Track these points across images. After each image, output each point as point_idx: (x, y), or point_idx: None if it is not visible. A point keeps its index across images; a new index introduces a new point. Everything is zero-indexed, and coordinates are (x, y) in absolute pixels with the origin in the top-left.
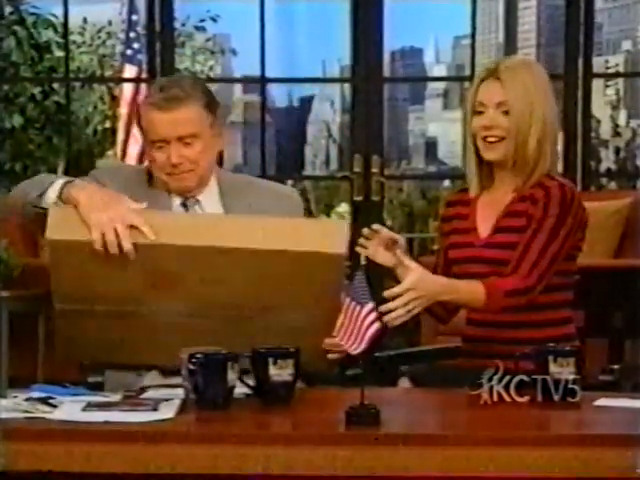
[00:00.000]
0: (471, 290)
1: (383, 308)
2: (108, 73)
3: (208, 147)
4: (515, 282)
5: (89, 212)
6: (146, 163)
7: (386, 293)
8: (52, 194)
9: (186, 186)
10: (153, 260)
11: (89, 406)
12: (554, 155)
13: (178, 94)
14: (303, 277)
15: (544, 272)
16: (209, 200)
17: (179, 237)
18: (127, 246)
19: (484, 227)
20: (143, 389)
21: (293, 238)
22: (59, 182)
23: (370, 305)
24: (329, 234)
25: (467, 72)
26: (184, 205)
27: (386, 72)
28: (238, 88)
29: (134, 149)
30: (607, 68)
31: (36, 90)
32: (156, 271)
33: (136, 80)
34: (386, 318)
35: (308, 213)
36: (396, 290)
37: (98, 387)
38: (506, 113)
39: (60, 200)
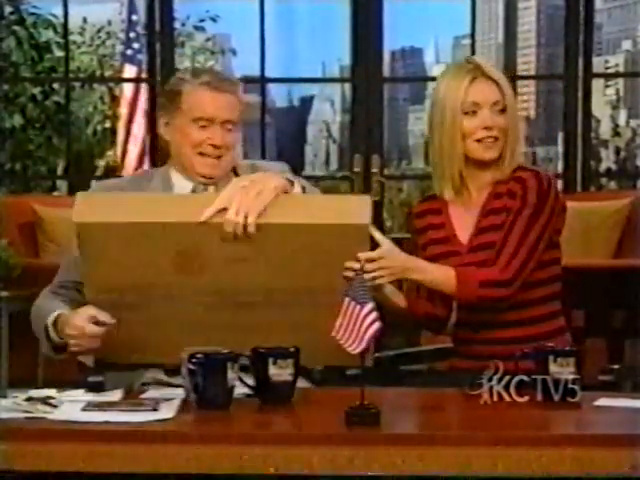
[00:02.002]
0: (442, 274)
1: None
2: (108, 73)
3: (237, 139)
4: (491, 273)
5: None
6: (143, 167)
7: (360, 255)
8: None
9: (214, 172)
10: (182, 240)
11: (89, 406)
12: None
13: (230, 78)
14: (331, 251)
15: (523, 262)
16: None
17: (200, 215)
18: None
19: (463, 232)
20: (144, 384)
21: (319, 212)
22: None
23: (370, 305)
24: (353, 207)
25: None
26: (193, 191)
27: (386, 72)
28: None
29: (134, 149)
30: (607, 68)
31: (36, 90)
32: (184, 251)
33: (136, 80)
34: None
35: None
36: (370, 254)
37: (98, 387)
38: (501, 112)
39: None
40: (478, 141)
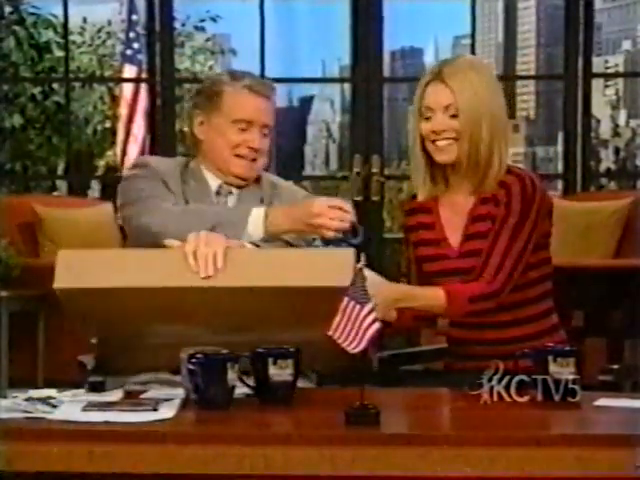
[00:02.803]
0: (431, 296)
1: None
2: (108, 73)
3: (270, 144)
4: (479, 287)
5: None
6: (178, 157)
7: None
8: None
9: (248, 174)
10: (164, 299)
11: (89, 406)
12: (506, 149)
13: (269, 83)
14: (309, 309)
15: (510, 272)
16: (234, 194)
17: (184, 279)
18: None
19: (454, 236)
20: (144, 385)
21: (297, 272)
22: (255, 214)
23: (370, 305)
24: (333, 265)
25: None
26: (218, 193)
27: (386, 72)
28: None
29: (134, 149)
30: (607, 68)
31: (36, 90)
32: (168, 306)
33: (136, 80)
34: None
35: None
36: None
37: (98, 387)
38: (454, 116)
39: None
40: (434, 143)
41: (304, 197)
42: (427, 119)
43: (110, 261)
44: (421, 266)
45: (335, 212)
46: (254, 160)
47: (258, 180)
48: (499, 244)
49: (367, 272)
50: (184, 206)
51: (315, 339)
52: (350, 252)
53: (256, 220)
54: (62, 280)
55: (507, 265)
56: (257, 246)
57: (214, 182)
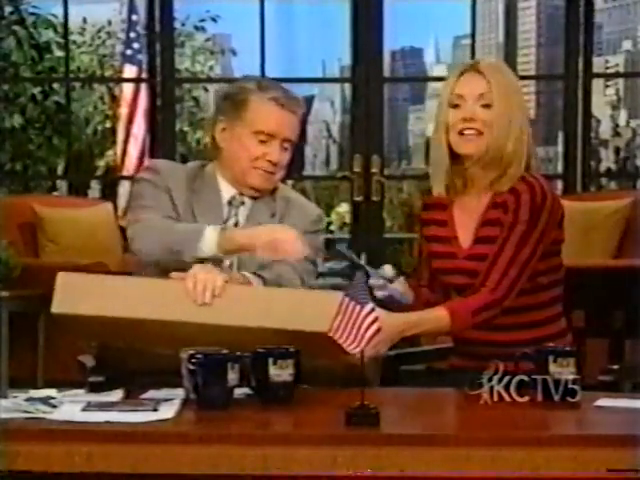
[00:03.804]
0: (435, 319)
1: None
2: (108, 73)
3: (290, 158)
4: (481, 299)
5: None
6: (192, 163)
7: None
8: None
9: (265, 186)
10: (160, 327)
11: (89, 406)
12: (530, 157)
13: (297, 98)
14: (296, 344)
15: (514, 281)
16: (247, 204)
17: (179, 313)
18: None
19: (465, 237)
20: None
21: (281, 314)
22: (209, 230)
23: (370, 305)
24: (317, 310)
25: None
26: (230, 203)
27: (386, 72)
28: None
29: (134, 149)
30: (607, 68)
31: (36, 90)
32: (165, 333)
33: (136, 80)
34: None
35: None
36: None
37: (99, 387)
38: (486, 107)
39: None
40: (460, 134)
41: (315, 217)
42: (456, 107)
43: (109, 289)
44: (431, 262)
45: (299, 244)
46: (272, 173)
47: (273, 192)
48: (505, 252)
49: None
50: (161, 220)
51: (307, 370)
52: (336, 297)
53: (210, 236)
54: (60, 305)
55: (511, 274)
56: (263, 278)
57: (227, 192)
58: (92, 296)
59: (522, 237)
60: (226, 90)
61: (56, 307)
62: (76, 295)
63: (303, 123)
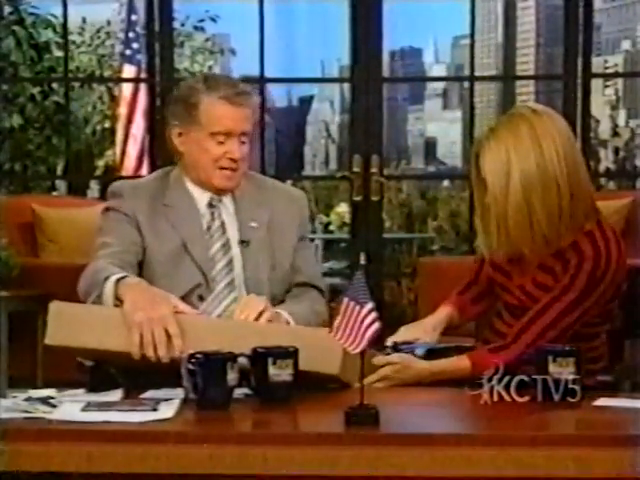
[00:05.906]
0: (457, 368)
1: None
2: (107, 73)
3: (251, 149)
4: (508, 357)
5: (133, 311)
6: (156, 173)
7: (365, 381)
8: (109, 292)
9: (230, 185)
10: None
11: (89, 406)
12: (586, 196)
13: (246, 89)
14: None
15: (545, 342)
16: (225, 201)
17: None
18: (161, 352)
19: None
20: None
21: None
22: (112, 280)
23: (370, 305)
24: (324, 352)
25: (466, 72)
26: (211, 205)
27: (386, 72)
28: None
29: (133, 149)
30: (606, 68)
31: (35, 90)
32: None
33: (135, 80)
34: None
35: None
36: (373, 378)
37: (98, 387)
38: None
39: (116, 299)
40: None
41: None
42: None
43: (101, 321)
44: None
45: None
46: (235, 170)
47: (251, 181)
48: (548, 314)
49: (396, 355)
50: (97, 265)
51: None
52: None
53: (111, 286)
54: (54, 337)
55: (548, 335)
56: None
57: (201, 195)
58: (85, 328)
59: (570, 305)
60: (176, 93)
61: (50, 339)
62: (69, 327)
63: (261, 108)
